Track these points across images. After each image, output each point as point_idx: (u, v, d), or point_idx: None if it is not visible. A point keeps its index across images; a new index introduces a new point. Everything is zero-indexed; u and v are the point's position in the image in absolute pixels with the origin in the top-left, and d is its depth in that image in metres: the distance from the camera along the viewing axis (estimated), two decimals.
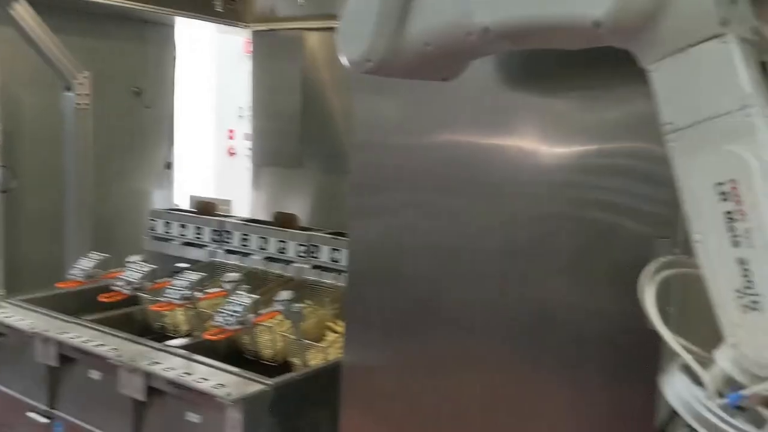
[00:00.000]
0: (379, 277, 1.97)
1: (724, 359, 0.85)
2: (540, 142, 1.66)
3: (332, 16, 2.08)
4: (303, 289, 3.01)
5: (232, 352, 2.73)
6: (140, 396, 2.31)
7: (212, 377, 2.21)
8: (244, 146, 4.29)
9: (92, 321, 2.75)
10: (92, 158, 3.46)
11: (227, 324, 2.34)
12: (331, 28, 2.48)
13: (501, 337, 1.58)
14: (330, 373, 2.25)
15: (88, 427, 2.52)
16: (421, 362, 1.89)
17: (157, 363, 2.31)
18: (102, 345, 2.47)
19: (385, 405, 1.98)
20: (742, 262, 0.83)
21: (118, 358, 2.35)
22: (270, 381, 2.18)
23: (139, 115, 3.79)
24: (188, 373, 2.23)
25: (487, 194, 1.75)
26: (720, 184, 0.88)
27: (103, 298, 2.79)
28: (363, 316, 2.03)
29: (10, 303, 2.97)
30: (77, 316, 2.79)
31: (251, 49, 3.89)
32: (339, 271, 2.93)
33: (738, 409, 0.82)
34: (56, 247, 3.31)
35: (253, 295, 2.45)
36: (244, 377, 2.22)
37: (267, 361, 2.70)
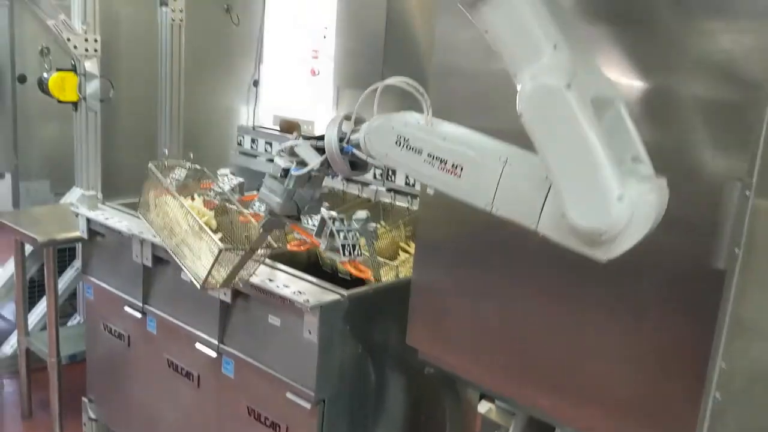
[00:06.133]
0: (448, 204, 2.03)
1: (364, 130, 1.63)
2: (619, 73, 1.65)
3: None
4: (378, 211, 3.13)
5: (311, 265, 2.89)
6: (227, 299, 2.50)
7: (293, 284, 2.37)
8: (327, 66, 4.34)
9: None
10: (184, 72, 3.62)
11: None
12: None
13: (559, 269, 1.63)
14: (400, 289, 2.36)
15: (178, 323, 2.74)
16: (483, 287, 1.98)
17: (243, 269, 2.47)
18: None
19: (448, 322, 2.09)
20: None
21: None
22: (345, 292, 2.33)
23: (229, 32, 3.90)
24: (271, 280, 2.40)
25: None
26: None
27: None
28: (432, 240, 2.13)
29: (107, 206, 3.20)
30: None
31: None
32: (414, 195, 3.02)
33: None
34: (150, 155, 3.51)
35: (333, 212, 2.55)
36: (322, 287, 2.38)
37: (342, 275, 2.85)
